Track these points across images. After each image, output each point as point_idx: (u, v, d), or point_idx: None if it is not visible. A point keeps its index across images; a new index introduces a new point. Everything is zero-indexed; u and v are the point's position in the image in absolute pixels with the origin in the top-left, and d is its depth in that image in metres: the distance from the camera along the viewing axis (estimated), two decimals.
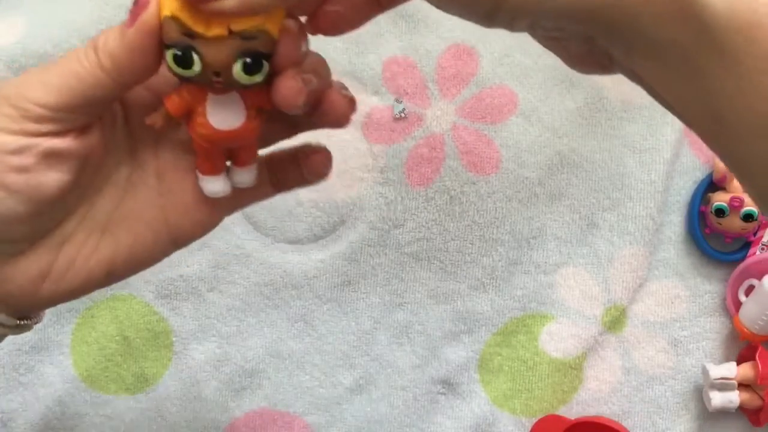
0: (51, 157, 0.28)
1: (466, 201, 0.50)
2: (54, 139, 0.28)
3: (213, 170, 0.31)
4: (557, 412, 0.51)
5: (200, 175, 0.31)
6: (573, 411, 0.51)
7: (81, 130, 0.29)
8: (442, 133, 0.50)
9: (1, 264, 0.29)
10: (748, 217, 0.49)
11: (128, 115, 0.31)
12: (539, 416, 0.51)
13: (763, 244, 0.50)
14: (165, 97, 0.29)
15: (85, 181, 0.30)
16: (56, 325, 0.49)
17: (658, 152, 0.50)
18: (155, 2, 0.27)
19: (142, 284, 0.49)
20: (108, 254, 0.31)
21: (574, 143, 0.50)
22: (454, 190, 0.50)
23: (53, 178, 0.28)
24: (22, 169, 0.27)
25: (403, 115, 0.50)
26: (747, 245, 0.51)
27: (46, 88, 0.28)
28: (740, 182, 0.27)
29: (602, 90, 0.50)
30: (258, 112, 0.29)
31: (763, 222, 0.50)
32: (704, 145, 0.51)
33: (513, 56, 0.50)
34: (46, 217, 0.29)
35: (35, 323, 0.32)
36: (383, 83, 0.50)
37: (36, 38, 0.48)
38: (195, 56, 0.26)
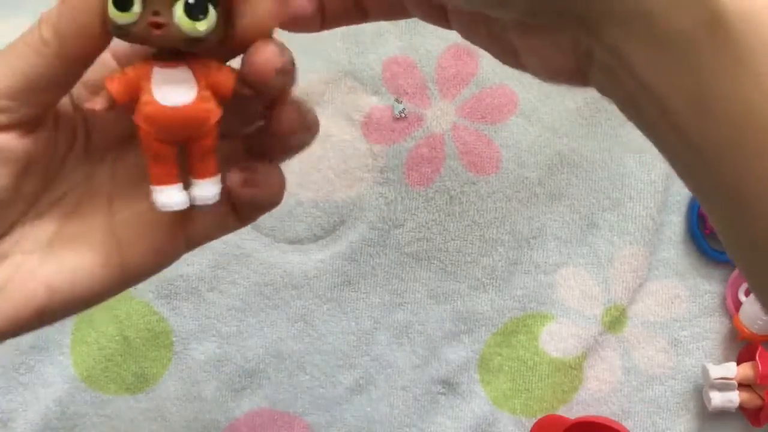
0: None
1: (466, 201, 0.50)
2: None
3: (166, 177, 0.27)
4: (557, 412, 0.51)
5: (152, 187, 0.27)
6: (573, 411, 0.51)
7: (26, 128, 0.26)
8: (442, 133, 0.50)
9: None
10: None
11: (89, 134, 0.29)
12: (539, 416, 0.51)
13: None
14: (106, 78, 0.26)
15: (27, 191, 0.27)
16: (56, 325, 0.49)
17: (658, 152, 0.50)
18: None
19: (142, 284, 0.49)
20: (49, 275, 0.27)
21: (574, 143, 0.50)
22: (454, 190, 0.50)
23: None
24: None
25: (403, 115, 0.50)
26: None
27: None
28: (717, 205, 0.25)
29: None
30: (212, 95, 0.26)
31: None
32: None
33: None
34: None
35: None
36: (383, 83, 0.50)
37: None
38: None
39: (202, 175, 0.27)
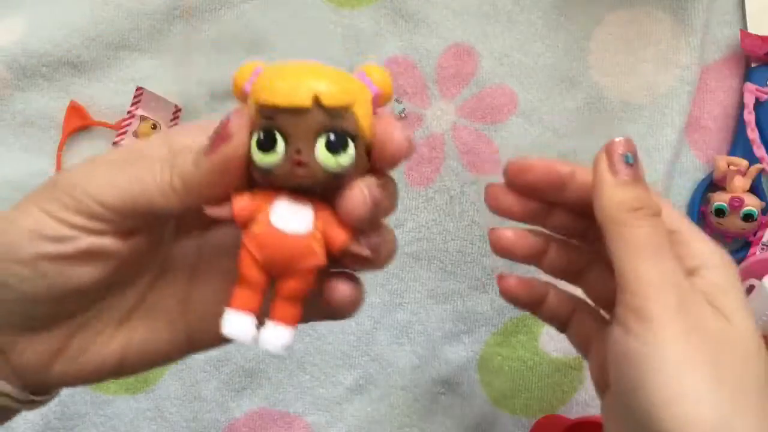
0: (90, 254, 0.26)
1: (466, 201, 0.50)
2: (98, 238, 0.26)
3: (246, 304, 0.26)
4: (557, 412, 0.51)
5: (227, 308, 0.26)
6: (573, 411, 0.51)
7: (128, 233, 0.27)
8: (442, 133, 0.50)
9: (16, 336, 0.28)
10: (748, 217, 0.49)
11: (182, 217, 0.29)
12: (539, 416, 0.51)
13: (763, 244, 0.50)
14: (234, 194, 0.26)
15: (118, 276, 0.28)
16: None
17: (658, 152, 0.50)
18: (241, 134, 0.25)
19: None
20: (121, 346, 0.29)
21: (574, 143, 0.50)
22: (454, 190, 0.50)
23: (87, 272, 0.27)
24: (57, 259, 0.26)
25: (403, 115, 0.50)
26: (747, 245, 0.51)
27: (112, 188, 0.26)
28: None
29: (602, 90, 0.50)
30: (323, 242, 0.26)
31: (763, 222, 0.50)
32: (704, 145, 0.51)
33: (513, 56, 0.50)
34: (69, 305, 0.28)
35: (48, 400, 0.31)
36: None
37: (36, 38, 0.48)
38: (277, 135, 0.25)
39: (279, 319, 0.26)
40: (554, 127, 0.50)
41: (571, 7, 0.50)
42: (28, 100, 0.49)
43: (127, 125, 0.49)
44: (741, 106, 0.50)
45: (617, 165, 0.31)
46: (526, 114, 0.50)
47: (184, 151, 0.26)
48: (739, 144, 0.50)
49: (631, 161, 0.31)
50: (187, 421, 0.50)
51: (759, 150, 0.49)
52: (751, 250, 0.50)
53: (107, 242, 0.27)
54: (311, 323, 0.50)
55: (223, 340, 0.28)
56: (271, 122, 0.25)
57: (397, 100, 0.50)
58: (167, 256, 0.30)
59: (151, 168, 0.26)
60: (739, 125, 0.50)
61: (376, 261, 0.28)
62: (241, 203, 0.26)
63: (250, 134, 0.25)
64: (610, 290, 0.32)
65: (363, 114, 0.26)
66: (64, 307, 0.28)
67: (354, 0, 0.50)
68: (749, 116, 0.49)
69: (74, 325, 0.29)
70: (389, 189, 0.28)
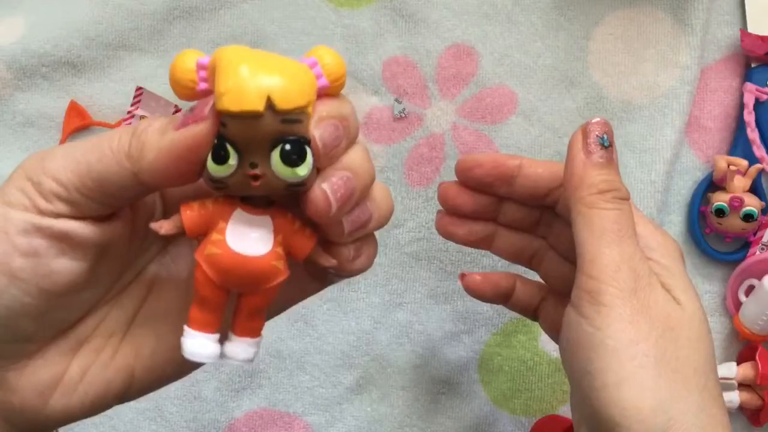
0: (63, 241, 0.24)
1: None
2: (68, 222, 0.24)
3: (205, 325, 0.25)
4: (557, 412, 0.51)
5: (186, 328, 0.25)
6: None
7: (101, 218, 0.25)
8: (442, 133, 0.50)
9: (6, 365, 0.25)
10: (748, 217, 0.49)
11: (167, 208, 0.28)
12: (539, 416, 0.51)
13: (763, 244, 0.50)
14: (183, 204, 0.24)
15: (105, 274, 0.27)
16: None
17: (658, 152, 0.50)
18: (214, 122, 0.23)
19: None
20: (128, 361, 0.27)
21: None
22: None
23: (64, 265, 0.25)
24: (30, 253, 0.24)
25: (403, 115, 0.50)
26: (747, 245, 0.50)
27: (65, 161, 0.24)
28: None
29: (602, 90, 0.50)
30: (285, 255, 0.24)
31: (763, 222, 0.50)
32: (704, 145, 0.51)
33: (513, 56, 0.50)
34: (58, 314, 0.26)
35: None
36: (383, 83, 0.50)
37: (36, 38, 0.48)
38: (229, 148, 0.23)
39: (244, 333, 0.25)
40: (554, 127, 0.50)
41: (571, 7, 0.50)
42: (28, 100, 0.49)
43: (127, 125, 0.49)
44: (741, 106, 0.50)
45: (591, 146, 0.31)
46: (526, 114, 0.50)
47: (147, 122, 0.25)
48: (739, 144, 0.50)
49: (607, 144, 0.31)
50: (187, 421, 0.50)
51: (759, 150, 0.49)
52: (751, 250, 0.50)
53: (79, 227, 0.25)
54: (311, 323, 0.50)
55: None
56: (224, 129, 0.23)
57: (397, 100, 0.50)
58: (163, 262, 0.29)
59: (109, 138, 0.24)
60: (739, 125, 0.50)
61: (348, 267, 0.27)
62: (192, 218, 0.24)
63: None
64: (565, 276, 0.32)
65: (317, 114, 0.24)
66: (52, 320, 0.26)
67: (354, 0, 0.50)
68: (749, 116, 0.49)
69: (69, 346, 0.26)
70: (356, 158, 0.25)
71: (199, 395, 0.50)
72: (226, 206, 0.24)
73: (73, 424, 0.49)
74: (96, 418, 0.49)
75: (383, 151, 0.50)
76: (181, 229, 0.24)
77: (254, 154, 0.23)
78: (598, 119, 0.32)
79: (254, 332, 0.25)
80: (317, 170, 0.24)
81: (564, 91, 0.50)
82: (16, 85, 0.49)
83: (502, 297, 0.38)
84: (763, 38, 0.49)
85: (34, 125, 0.49)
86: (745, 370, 0.49)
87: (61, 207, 0.24)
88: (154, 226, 0.25)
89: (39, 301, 0.25)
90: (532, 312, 0.38)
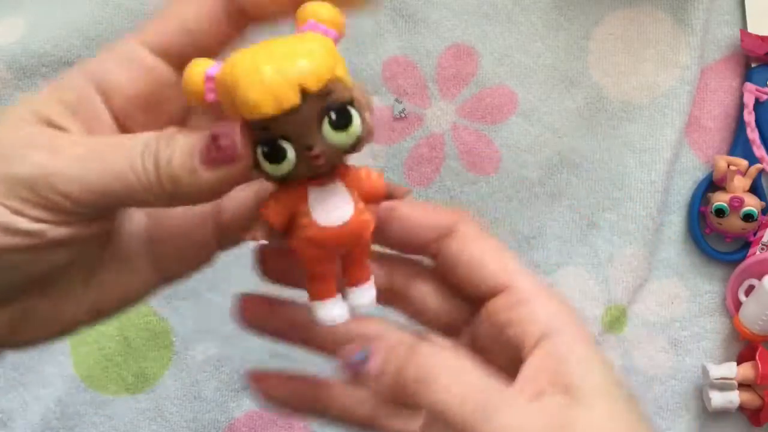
0: (54, 244, 0.24)
1: (466, 201, 0.50)
2: (61, 228, 0.24)
3: (329, 291, 0.27)
4: None
5: (311, 302, 0.27)
6: None
7: (88, 222, 0.25)
8: (442, 133, 0.50)
9: None
10: (748, 217, 0.49)
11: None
12: None
13: (763, 244, 0.50)
14: (261, 207, 0.25)
15: (79, 243, 0.26)
16: None
17: (658, 152, 0.50)
18: (248, 154, 0.23)
19: None
20: (94, 303, 0.27)
21: (574, 143, 0.50)
22: (454, 190, 0.50)
23: (50, 259, 0.25)
24: (23, 249, 0.24)
25: (403, 115, 0.50)
26: (747, 245, 0.51)
27: (82, 186, 0.23)
28: None
29: (602, 90, 0.50)
30: (366, 205, 0.26)
31: (763, 222, 0.50)
32: (704, 145, 0.51)
33: (513, 56, 0.50)
34: (35, 283, 0.26)
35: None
36: (383, 83, 0.50)
37: (36, 38, 0.48)
38: (283, 143, 0.23)
39: (361, 281, 0.27)
40: (554, 127, 0.50)
41: (571, 7, 0.50)
42: None
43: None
44: (741, 106, 0.50)
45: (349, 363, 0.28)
46: (526, 114, 0.50)
47: (166, 148, 0.24)
48: (739, 144, 0.50)
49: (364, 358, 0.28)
50: (186, 421, 0.50)
51: (759, 150, 0.49)
52: (751, 250, 0.50)
53: (72, 230, 0.24)
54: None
55: (195, 270, 0.30)
56: (268, 132, 0.23)
57: (397, 100, 0.50)
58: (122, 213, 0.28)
59: (130, 162, 0.24)
60: (739, 125, 0.50)
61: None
62: (274, 214, 0.25)
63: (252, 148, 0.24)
64: (442, 309, 0.31)
65: (342, 68, 0.24)
66: (30, 285, 0.26)
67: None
68: (749, 116, 0.49)
69: (34, 294, 0.26)
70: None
71: (199, 395, 0.50)
72: (297, 190, 0.25)
73: (72, 424, 0.49)
74: (96, 418, 0.49)
75: (383, 151, 0.50)
76: (271, 230, 0.25)
77: (306, 138, 0.23)
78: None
79: (367, 276, 0.27)
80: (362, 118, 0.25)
81: (564, 91, 0.50)
82: (16, 85, 0.49)
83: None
84: (763, 38, 0.49)
85: None
86: (745, 370, 0.49)
87: (63, 217, 0.24)
88: (252, 243, 0.26)
89: (18, 278, 0.25)
90: None
